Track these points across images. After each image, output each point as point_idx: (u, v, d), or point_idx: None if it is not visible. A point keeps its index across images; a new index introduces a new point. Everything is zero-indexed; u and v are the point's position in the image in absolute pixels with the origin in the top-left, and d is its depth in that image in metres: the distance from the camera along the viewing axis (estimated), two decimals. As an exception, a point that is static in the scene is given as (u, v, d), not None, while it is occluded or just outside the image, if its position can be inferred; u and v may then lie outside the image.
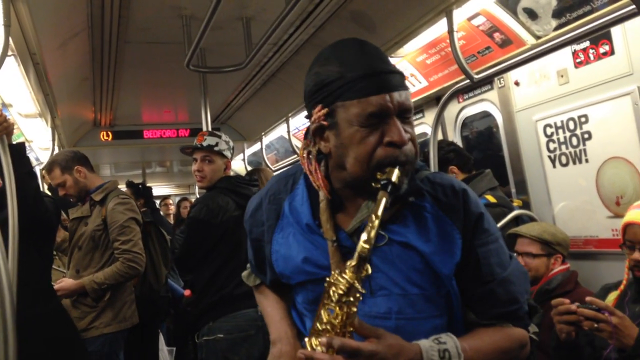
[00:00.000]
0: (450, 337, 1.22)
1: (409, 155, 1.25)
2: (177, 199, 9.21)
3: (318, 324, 1.20)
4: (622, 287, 2.31)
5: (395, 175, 1.20)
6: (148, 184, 6.51)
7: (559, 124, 3.36)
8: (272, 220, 1.44)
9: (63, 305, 3.12)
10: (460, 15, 3.29)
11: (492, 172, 3.60)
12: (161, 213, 8.08)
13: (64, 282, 3.30)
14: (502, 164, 3.97)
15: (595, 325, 1.97)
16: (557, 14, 3.07)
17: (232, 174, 3.39)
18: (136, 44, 4.11)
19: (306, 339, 1.23)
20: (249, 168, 8.16)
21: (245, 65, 3.78)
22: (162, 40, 4.08)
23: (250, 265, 1.62)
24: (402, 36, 3.64)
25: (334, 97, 1.25)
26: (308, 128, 1.35)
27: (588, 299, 2.02)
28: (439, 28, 3.50)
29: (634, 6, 2.22)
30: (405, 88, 1.27)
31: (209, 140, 3.17)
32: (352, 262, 1.15)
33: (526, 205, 3.69)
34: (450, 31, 3.11)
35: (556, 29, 3.13)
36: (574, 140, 3.26)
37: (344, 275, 1.16)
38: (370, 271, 1.16)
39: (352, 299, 1.15)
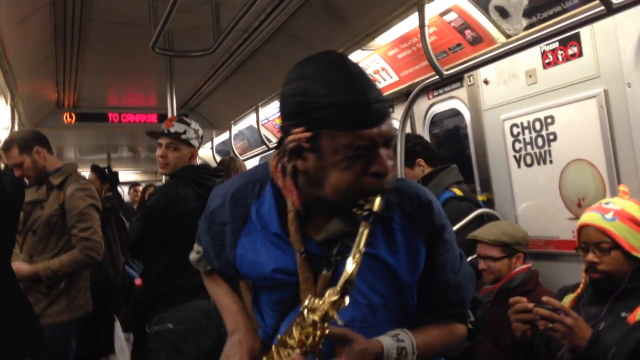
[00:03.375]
0: (407, 333, 1.30)
1: (391, 182, 1.27)
2: (143, 185, 9.07)
3: (288, 339, 1.24)
4: (579, 289, 2.33)
5: (376, 204, 1.22)
6: (114, 169, 6.36)
7: (525, 124, 3.37)
8: (237, 224, 1.44)
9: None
10: (432, 10, 3.28)
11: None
12: (128, 199, 7.97)
13: (16, 265, 3.16)
14: (468, 162, 3.98)
15: (550, 325, 2.00)
16: (527, 14, 3.07)
17: (198, 162, 3.31)
18: (100, 24, 3.98)
19: (273, 346, 1.28)
20: (217, 156, 8.06)
21: (213, 50, 3.69)
22: (127, 21, 3.95)
23: (204, 252, 1.60)
24: (373, 28, 3.61)
25: (320, 124, 1.21)
26: (281, 139, 1.31)
27: (544, 298, 2.05)
28: (411, 22, 3.48)
29: (602, 7, 2.23)
30: (389, 116, 1.27)
31: (177, 127, 3.08)
32: (333, 296, 1.17)
33: (490, 203, 3.71)
34: (422, 25, 3.09)
35: (526, 28, 3.13)
36: (540, 141, 3.28)
37: (322, 304, 1.18)
38: (347, 303, 1.18)
39: (326, 324, 1.18)
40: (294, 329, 1.23)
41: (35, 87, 5.35)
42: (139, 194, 8.39)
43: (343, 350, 1.21)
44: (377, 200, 1.22)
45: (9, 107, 4.89)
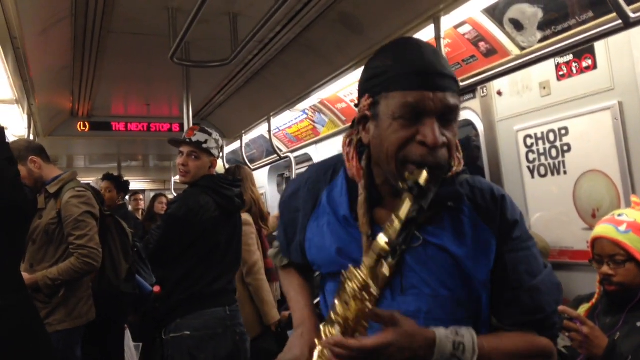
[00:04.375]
0: (470, 331, 1.22)
1: (439, 159, 1.21)
2: (152, 194, 9.12)
3: (332, 315, 1.22)
4: (594, 300, 2.35)
5: (423, 178, 1.17)
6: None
7: (539, 135, 3.40)
8: (308, 209, 1.45)
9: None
10: (447, 22, 3.32)
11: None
12: (130, 208, 8.02)
13: None
14: (480, 172, 4.00)
15: (567, 334, 2.00)
16: (542, 26, 3.11)
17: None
18: (120, 34, 4.05)
19: (322, 326, 1.27)
20: (227, 166, 8.10)
21: (230, 61, 3.75)
22: (146, 32, 4.02)
23: (280, 246, 1.62)
24: (389, 40, 3.64)
25: (380, 88, 1.24)
26: (355, 117, 1.36)
27: (561, 308, 2.03)
28: (426, 34, 3.52)
29: (619, 21, 2.27)
30: (455, 92, 1.24)
31: (199, 136, 3.12)
32: (369, 261, 1.16)
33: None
34: (438, 37, 3.13)
35: (541, 40, 3.17)
36: (554, 152, 3.31)
37: (359, 271, 1.17)
38: (388, 273, 1.17)
39: (366, 296, 1.16)
40: (336, 303, 1.21)
41: (51, 96, 5.42)
42: (139, 202, 8.46)
43: (390, 329, 1.16)
44: (424, 173, 1.17)
45: (25, 116, 4.96)
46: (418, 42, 1.30)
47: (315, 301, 1.57)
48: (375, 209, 1.34)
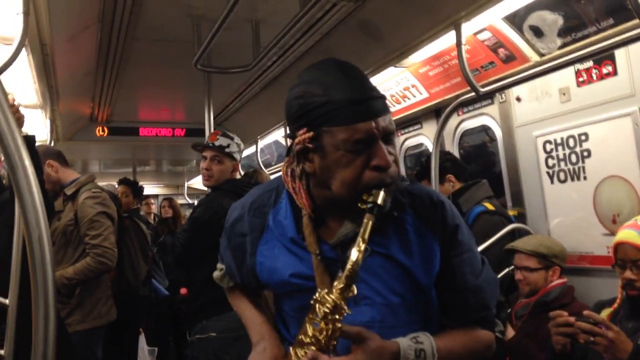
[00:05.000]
0: (427, 336, 1.30)
1: (393, 176, 1.29)
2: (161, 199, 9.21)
3: (303, 337, 1.26)
4: (615, 304, 2.36)
5: (380, 198, 1.24)
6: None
7: (558, 141, 3.43)
8: (256, 233, 1.47)
9: None
10: (467, 29, 3.35)
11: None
12: (142, 212, 8.10)
13: None
14: (498, 179, 4.04)
15: (592, 338, 2.01)
16: (562, 33, 3.15)
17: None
18: (144, 41, 4.12)
19: (291, 348, 1.31)
20: (242, 170, 8.14)
21: (252, 67, 3.81)
22: (170, 39, 4.10)
23: (226, 268, 1.63)
24: (408, 47, 3.69)
25: (319, 122, 1.28)
26: (290, 147, 1.39)
27: (585, 312, 2.06)
28: (445, 41, 3.56)
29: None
30: (388, 112, 1.31)
31: (222, 141, 3.19)
32: (339, 285, 1.20)
33: (522, 218, 3.76)
34: (459, 44, 3.16)
35: (561, 47, 3.20)
36: (573, 158, 3.34)
37: (330, 295, 1.21)
38: (356, 292, 1.21)
39: (337, 316, 1.21)
40: (307, 326, 1.25)
41: (73, 101, 5.50)
42: (150, 207, 8.54)
43: (358, 348, 1.23)
44: (381, 194, 1.25)
45: (48, 121, 5.03)
46: (338, 63, 1.32)
47: None
48: (319, 227, 1.39)
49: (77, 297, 3.28)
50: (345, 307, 1.20)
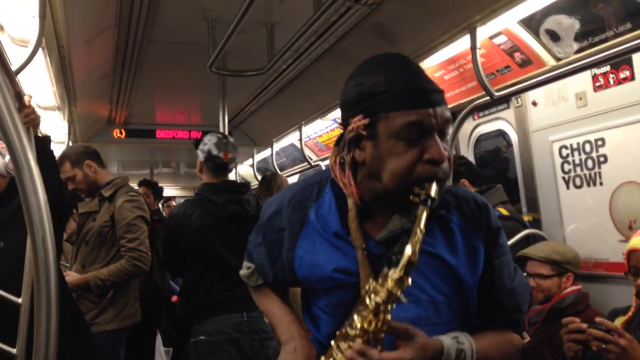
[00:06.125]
0: (467, 338, 1.30)
1: (446, 172, 1.26)
2: (181, 200, 9.28)
3: (348, 329, 1.23)
4: (630, 312, 2.32)
5: (433, 190, 1.21)
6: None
7: (575, 146, 3.39)
8: (296, 227, 1.44)
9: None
10: (482, 33, 3.33)
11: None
12: (163, 214, 8.16)
13: (69, 275, 3.28)
14: (513, 184, 4.00)
15: (604, 346, 1.98)
16: (579, 37, 3.11)
17: (239, 179, 3.38)
18: (160, 44, 4.16)
19: (333, 342, 1.27)
20: (257, 174, 8.19)
21: (267, 70, 3.83)
22: (185, 41, 4.13)
23: (256, 266, 1.61)
24: (423, 51, 3.68)
25: (378, 108, 1.26)
26: (341, 135, 1.37)
27: (598, 319, 2.03)
28: (460, 44, 3.54)
29: (659, 33, 2.26)
30: (447, 106, 1.29)
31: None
32: (396, 274, 1.17)
33: (537, 224, 3.72)
34: (473, 48, 3.15)
35: (577, 51, 3.17)
36: (590, 163, 3.29)
37: (385, 284, 1.18)
38: (411, 282, 1.18)
39: (389, 307, 1.19)
40: (355, 318, 1.22)
41: (90, 103, 5.57)
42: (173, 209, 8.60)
43: (405, 343, 1.21)
44: (434, 186, 1.22)
45: (66, 123, 5.10)
46: (403, 57, 1.32)
47: None
48: (364, 223, 1.36)
49: (109, 297, 3.32)
50: (402, 297, 1.18)
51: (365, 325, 1.20)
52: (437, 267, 1.34)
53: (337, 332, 1.27)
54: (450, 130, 1.32)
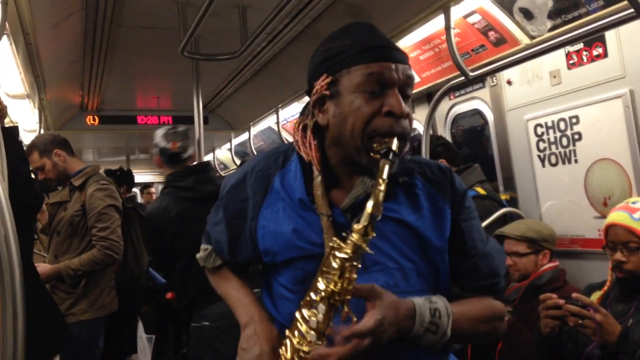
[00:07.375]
0: (440, 298, 1.27)
1: (405, 129, 1.26)
2: (160, 187, 9.18)
3: (312, 294, 1.19)
4: (605, 287, 2.35)
5: (394, 144, 1.21)
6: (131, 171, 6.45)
7: (549, 124, 3.40)
8: (259, 196, 1.41)
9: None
10: (456, 12, 3.31)
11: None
12: (142, 200, 8.07)
13: (40, 266, 3.22)
14: (490, 162, 4.02)
15: (580, 321, 2.01)
16: (552, 15, 3.11)
17: (217, 164, 3.37)
18: (129, 28, 4.07)
19: (296, 312, 1.23)
20: (236, 158, 8.13)
21: (240, 54, 3.77)
22: (156, 26, 4.04)
23: (214, 245, 1.56)
24: (398, 31, 3.65)
25: (340, 66, 1.27)
26: (307, 104, 1.37)
27: (574, 295, 2.06)
28: (435, 24, 3.53)
29: (630, 10, 2.26)
30: (409, 65, 1.29)
31: None
32: (360, 225, 1.14)
33: (514, 202, 3.75)
34: (447, 28, 3.13)
35: (551, 29, 3.17)
36: (564, 141, 3.31)
37: (350, 239, 1.15)
38: (374, 234, 1.15)
39: (355, 263, 1.15)
40: (319, 280, 1.18)
41: (61, 90, 5.45)
42: (152, 195, 8.53)
43: (373, 304, 1.17)
44: (395, 140, 1.21)
45: (36, 111, 4.99)
46: (369, 23, 1.35)
47: None
48: (330, 190, 1.35)
49: (82, 287, 3.29)
50: (367, 248, 1.14)
51: (332, 286, 1.16)
52: (403, 234, 1.32)
53: (301, 302, 1.23)
54: (412, 91, 1.30)
